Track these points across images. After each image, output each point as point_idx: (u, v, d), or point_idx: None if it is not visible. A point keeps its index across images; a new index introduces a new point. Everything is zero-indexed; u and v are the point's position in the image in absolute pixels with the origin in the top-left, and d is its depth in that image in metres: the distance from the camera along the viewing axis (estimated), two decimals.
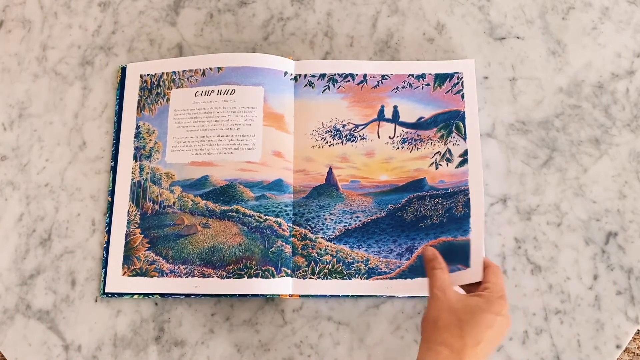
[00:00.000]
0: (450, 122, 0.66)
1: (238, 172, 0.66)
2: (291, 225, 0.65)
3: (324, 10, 0.73)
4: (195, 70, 0.70)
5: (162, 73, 0.70)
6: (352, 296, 0.64)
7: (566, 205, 0.65)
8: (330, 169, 0.67)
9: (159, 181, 0.67)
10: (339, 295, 0.63)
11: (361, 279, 0.63)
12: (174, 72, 0.70)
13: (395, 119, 0.68)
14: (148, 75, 0.71)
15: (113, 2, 0.75)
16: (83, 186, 0.69)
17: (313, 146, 0.67)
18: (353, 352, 0.63)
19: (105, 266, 0.65)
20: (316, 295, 0.63)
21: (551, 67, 0.70)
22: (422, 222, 0.64)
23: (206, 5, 0.74)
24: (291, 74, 0.69)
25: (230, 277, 0.63)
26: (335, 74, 0.69)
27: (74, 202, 0.69)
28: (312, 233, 0.65)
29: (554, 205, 0.65)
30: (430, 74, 0.68)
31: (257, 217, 0.65)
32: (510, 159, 0.67)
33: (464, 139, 0.65)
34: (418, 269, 0.62)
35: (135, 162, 0.68)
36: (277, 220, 0.65)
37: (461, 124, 0.66)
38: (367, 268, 0.63)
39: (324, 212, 0.66)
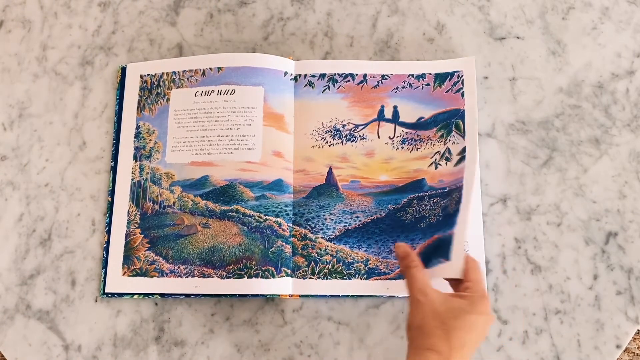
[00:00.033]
0: (450, 122, 0.66)
1: (238, 172, 0.66)
2: (291, 225, 0.65)
3: (324, 10, 0.73)
4: (195, 70, 0.70)
5: (162, 73, 0.70)
6: (352, 296, 0.64)
7: (566, 205, 0.65)
8: (330, 169, 0.67)
9: (159, 181, 0.67)
10: (339, 295, 0.63)
11: (361, 279, 0.63)
12: (174, 72, 0.70)
13: (395, 119, 0.68)
14: (148, 75, 0.71)
15: (113, 2, 0.75)
16: (83, 186, 0.69)
17: (313, 146, 0.67)
18: (353, 352, 0.63)
19: (105, 266, 0.65)
20: (316, 295, 0.63)
21: (551, 67, 0.70)
22: (421, 223, 0.64)
23: (206, 5, 0.75)
24: (291, 74, 0.69)
25: (230, 277, 0.63)
26: (335, 74, 0.69)
27: (74, 202, 0.69)
28: (312, 233, 0.65)
29: (554, 205, 0.65)
30: (430, 74, 0.68)
31: (257, 217, 0.65)
32: (510, 159, 0.67)
33: (463, 136, 0.65)
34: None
35: (135, 162, 0.68)
36: (277, 220, 0.65)
37: (461, 122, 0.65)
38: (367, 268, 0.63)
39: (324, 212, 0.66)
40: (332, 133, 0.68)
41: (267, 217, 0.65)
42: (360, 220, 0.65)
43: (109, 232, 0.66)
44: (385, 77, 0.69)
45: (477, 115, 0.67)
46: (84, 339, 0.65)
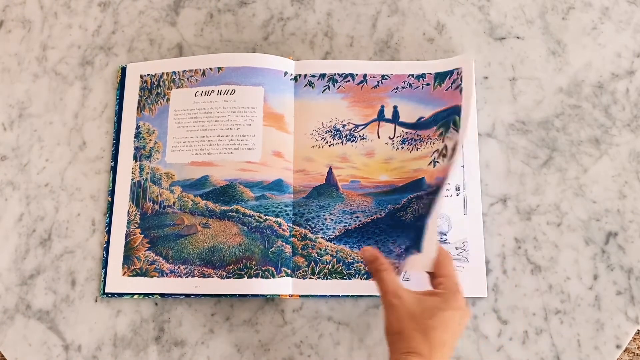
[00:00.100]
0: (448, 119, 0.65)
1: (238, 172, 0.66)
2: (291, 225, 0.65)
3: (324, 10, 0.73)
4: (195, 70, 0.70)
5: (162, 73, 0.70)
6: (352, 296, 0.64)
7: (566, 205, 0.65)
8: (330, 169, 0.67)
9: (159, 181, 0.67)
10: (339, 295, 0.63)
11: (361, 279, 0.63)
12: (174, 72, 0.70)
13: (395, 119, 0.68)
14: (148, 75, 0.71)
15: (113, 2, 0.75)
16: (83, 186, 0.69)
17: (313, 146, 0.67)
18: (353, 352, 0.63)
19: (105, 266, 0.65)
20: (316, 295, 0.63)
21: (551, 67, 0.70)
22: (420, 222, 0.63)
23: (206, 5, 0.75)
24: (291, 74, 0.69)
25: (230, 277, 0.63)
26: (335, 74, 0.69)
27: (74, 202, 0.69)
28: (312, 233, 0.65)
29: (554, 205, 0.65)
30: (430, 74, 0.68)
31: (257, 217, 0.65)
32: (510, 159, 0.67)
33: (458, 131, 0.64)
34: None
35: (135, 162, 0.68)
36: (277, 220, 0.65)
37: (457, 118, 0.64)
38: (366, 268, 0.63)
39: (324, 212, 0.66)
40: (332, 133, 0.68)
41: (267, 217, 0.65)
42: (360, 221, 0.65)
43: (109, 232, 0.66)
44: (385, 77, 0.69)
45: (474, 109, 0.66)
46: (84, 339, 0.65)
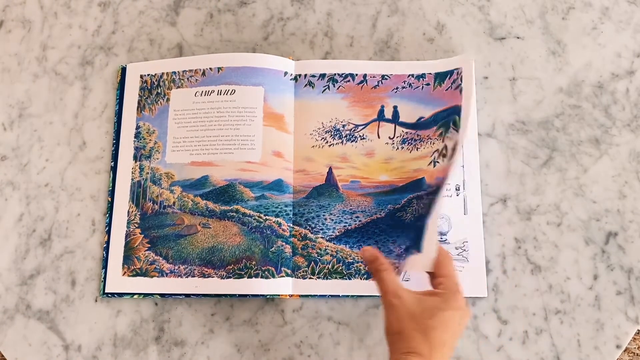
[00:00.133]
0: (448, 119, 0.65)
1: (238, 172, 0.66)
2: (291, 225, 0.65)
3: (324, 10, 0.73)
4: (195, 70, 0.70)
5: (162, 73, 0.70)
6: (352, 296, 0.64)
7: (566, 205, 0.65)
8: (330, 169, 0.67)
9: (159, 181, 0.67)
10: (339, 295, 0.63)
11: (361, 279, 0.63)
12: (174, 72, 0.70)
13: (395, 119, 0.68)
14: (148, 75, 0.71)
15: (113, 2, 0.75)
16: (83, 186, 0.69)
17: (313, 146, 0.67)
18: (353, 352, 0.63)
19: (105, 266, 0.65)
20: (316, 295, 0.63)
21: (551, 67, 0.70)
22: (420, 222, 0.63)
23: (206, 5, 0.75)
24: (291, 74, 0.69)
25: (230, 277, 0.63)
26: (335, 74, 0.69)
27: (74, 202, 0.69)
28: (312, 233, 0.65)
29: (554, 205, 0.65)
30: (430, 74, 0.68)
31: (257, 217, 0.65)
32: (510, 159, 0.67)
33: (458, 131, 0.63)
34: None
35: (135, 162, 0.68)
36: (277, 220, 0.65)
37: (457, 118, 0.64)
38: (367, 268, 0.63)
39: (324, 212, 0.66)
40: (332, 133, 0.68)
41: (267, 217, 0.65)
42: (360, 221, 0.65)
43: (109, 232, 0.66)
44: (385, 77, 0.69)
45: (474, 109, 0.66)
46: (84, 339, 0.65)
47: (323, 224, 0.65)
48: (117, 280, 0.65)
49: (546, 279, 0.64)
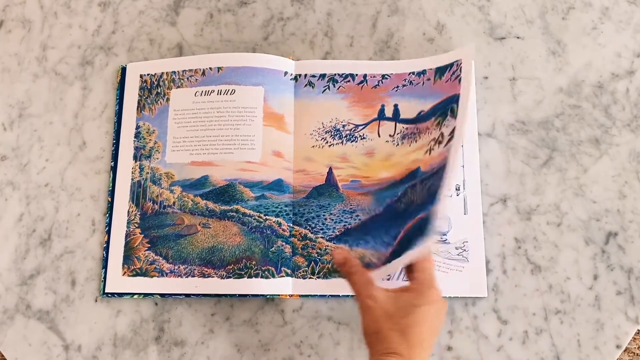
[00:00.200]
0: (446, 108, 0.63)
1: (238, 172, 0.66)
2: (291, 225, 0.65)
3: (324, 10, 0.73)
4: (195, 70, 0.70)
5: (162, 73, 0.70)
6: (352, 296, 0.63)
7: (566, 205, 0.65)
8: (330, 169, 0.67)
9: (159, 181, 0.67)
10: (339, 295, 0.63)
11: None
12: (174, 72, 0.70)
13: (395, 117, 0.67)
14: (148, 75, 0.71)
15: (113, 2, 0.75)
16: (83, 186, 0.69)
17: (313, 146, 0.67)
18: (353, 352, 0.63)
19: (105, 266, 0.65)
20: (316, 295, 0.63)
21: (551, 67, 0.70)
22: (410, 207, 0.62)
23: (206, 5, 0.75)
24: (291, 74, 0.69)
25: (230, 277, 0.63)
26: (335, 74, 0.69)
27: (74, 202, 0.69)
28: (312, 233, 0.65)
29: (554, 205, 0.65)
30: (431, 69, 0.67)
31: (257, 217, 0.65)
32: (510, 159, 0.67)
33: (455, 118, 0.61)
34: (396, 253, 0.59)
35: (135, 162, 0.68)
36: (277, 220, 0.65)
37: (455, 106, 0.62)
38: (363, 264, 0.62)
39: (324, 212, 0.65)
40: (332, 133, 0.68)
41: (267, 217, 0.65)
42: (359, 219, 0.65)
43: (109, 232, 0.66)
44: (386, 76, 0.69)
45: (474, 96, 0.65)
46: (84, 339, 0.65)
47: (323, 223, 0.65)
48: (117, 280, 0.65)
49: (546, 279, 0.64)
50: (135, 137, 0.69)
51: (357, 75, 0.69)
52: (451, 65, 0.65)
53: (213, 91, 0.68)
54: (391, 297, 0.52)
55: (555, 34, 0.71)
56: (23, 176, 0.70)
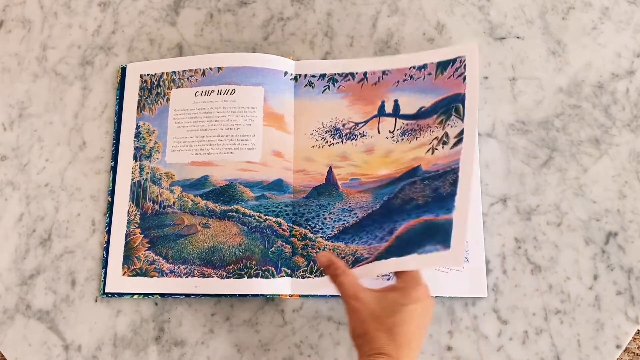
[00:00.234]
0: (450, 107, 0.62)
1: (238, 172, 0.66)
2: (291, 225, 0.65)
3: (324, 10, 0.73)
4: (195, 70, 0.70)
5: (162, 73, 0.70)
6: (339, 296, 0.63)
7: (566, 205, 0.65)
8: (330, 168, 0.67)
9: (159, 181, 0.67)
10: (339, 295, 0.63)
11: None
12: (174, 72, 0.70)
13: (395, 112, 0.67)
14: (148, 75, 0.71)
15: (113, 2, 0.75)
16: (83, 186, 0.69)
17: (313, 146, 0.67)
18: (353, 352, 0.63)
19: (105, 266, 0.65)
20: (316, 295, 0.63)
21: (551, 67, 0.70)
22: (408, 204, 0.61)
23: (206, 5, 0.75)
24: (291, 74, 0.69)
25: (230, 277, 0.63)
26: (335, 74, 0.69)
27: (74, 202, 0.69)
28: (312, 233, 0.65)
29: (554, 205, 0.65)
30: (432, 63, 0.65)
31: (257, 217, 0.65)
32: (510, 159, 0.67)
33: (462, 119, 0.60)
34: (394, 250, 0.59)
35: (135, 162, 0.68)
36: (277, 220, 0.65)
37: (460, 106, 0.61)
38: (353, 259, 0.62)
39: (324, 211, 0.65)
40: (332, 133, 0.68)
41: (267, 217, 0.65)
42: (357, 217, 0.65)
43: (109, 232, 0.66)
44: (386, 72, 0.68)
45: (479, 99, 0.65)
46: (84, 339, 0.65)
47: (323, 223, 0.65)
48: (117, 280, 0.65)
49: (546, 279, 0.64)
50: (135, 137, 0.69)
51: (357, 73, 0.69)
52: (454, 60, 0.64)
53: (213, 91, 0.68)
54: (377, 297, 0.52)
55: (555, 34, 0.71)
56: (23, 176, 0.70)
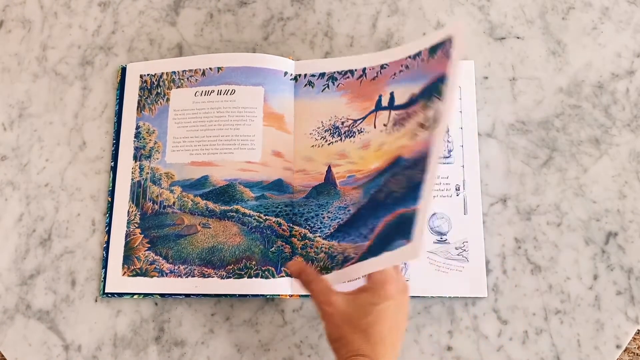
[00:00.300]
0: (432, 87, 0.58)
1: (238, 172, 0.66)
2: (291, 225, 0.65)
3: (324, 10, 0.73)
4: (195, 70, 0.70)
5: (162, 73, 0.70)
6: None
7: (566, 205, 0.65)
8: (329, 167, 0.67)
9: (159, 181, 0.67)
10: None
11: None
12: (174, 72, 0.70)
13: (391, 105, 0.66)
14: (148, 75, 0.71)
15: (113, 2, 0.75)
16: (83, 186, 0.69)
17: (313, 146, 0.67)
18: None
19: (105, 266, 0.65)
20: None
21: (551, 67, 0.70)
22: (389, 197, 0.59)
23: (206, 5, 0.75)
24: (291, 74, 0.69)
25: (230, 277, 0.63)
26: (334, 72, 0.69)
27: (74, 202, 0.69)
28: (311, 232, 0.65)
29: (554, 205, 0.65)
30: (425, 49, 0.61)
31: (257, 217, 0.65)
32: (510, 159, 0.67)
33: (441, 99, 0.55)
34: (374, 249, 0.57)
35: (135, 162, 0.68)
36: (277, 220, 0.65)
37: (441, 86, 0.55)
38: (343, 258, 0.62)
39: (323, 211, 0.65)
40: (332, 131, 0.67)
41: (267, 217, 0.65)
42: (350, 213, 0.64)
43: (109, 232, 0.66)
44: (384, 66, 0.66)
45: (460, 77, 0.63)
46: (84, 339, 0.65)
47: (321, 222, 0.65)
48: (117, 280, 0.65)
49: (546, 279, 0.64)
50: (135, 137, 0.69)
51: (356, 70, 0.68)
52: (443, 43, 0.58)
53: (213, 91, 0.68)
54: (349, 300, 0.52)
55: (555, 34, 0.71)
56: (23, 176, 0.70)
